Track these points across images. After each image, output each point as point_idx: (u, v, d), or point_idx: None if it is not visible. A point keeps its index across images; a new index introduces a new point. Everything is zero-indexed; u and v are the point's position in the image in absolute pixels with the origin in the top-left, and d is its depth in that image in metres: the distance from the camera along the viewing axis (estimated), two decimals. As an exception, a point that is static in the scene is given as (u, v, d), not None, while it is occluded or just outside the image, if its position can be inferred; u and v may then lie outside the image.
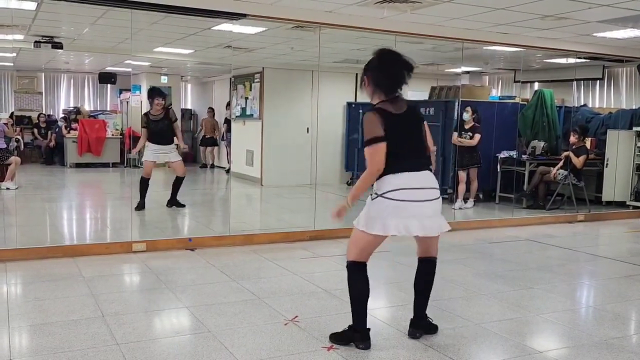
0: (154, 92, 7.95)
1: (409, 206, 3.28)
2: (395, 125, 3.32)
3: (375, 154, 3.27)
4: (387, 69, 3.37)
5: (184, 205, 8.25)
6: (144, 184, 7.89)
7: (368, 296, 3.43)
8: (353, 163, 11.79)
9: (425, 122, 3.56)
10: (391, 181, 3.29)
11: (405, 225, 3.29)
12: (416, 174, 3.33)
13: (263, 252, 5.98)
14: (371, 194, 3.39)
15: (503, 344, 3.63)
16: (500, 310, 4.29)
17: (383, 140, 3.25)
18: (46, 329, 3.67)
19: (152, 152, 7.86)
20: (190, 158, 15.80)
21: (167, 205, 8.22)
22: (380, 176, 3.31)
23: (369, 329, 3.46)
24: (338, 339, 3.52)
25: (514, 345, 3.61)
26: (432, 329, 3.71)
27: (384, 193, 3.29)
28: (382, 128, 3.26)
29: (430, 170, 3.44)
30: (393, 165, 3.29)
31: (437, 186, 3.44)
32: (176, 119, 8.08)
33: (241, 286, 4.72)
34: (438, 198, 3.42)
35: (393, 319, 4.05)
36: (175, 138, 8.05)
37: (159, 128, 7.84)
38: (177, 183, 8.18)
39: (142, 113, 8.06)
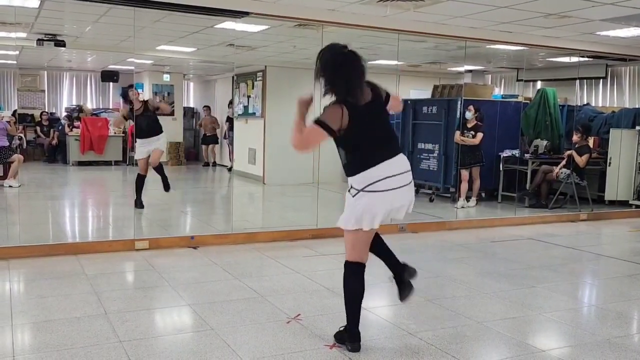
0: (126, 88, 7.93)
1: (392, 194, 3.26)
2: (363, 117, 3.24)
3: (312, 136, 3.20)
4: (343, 74, 3.20)
5: (168, 190, 8.19)
6: (140, 181, 7.87)
7: (362, 298, 3.39)
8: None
9: (390, 94, 3.45)
10: (372, 174, 3.24)
11: (391, 212, 3.30)
12: (392, 160, 3.30)
13: (265, 250, 5.98)
14: (349, 190, 3.33)
15: (506, 343, 3.63)
16: (502, 309, 4.29)
17: (330, 134, 3.17)
18: (49, 326, 3.68)
19: (142, 148, 7.86)
20: (192, 156, 15.82)
21: (164, 190, 8.18)
22: (359, 171, 3.25)
23: (359, 332, 3.40)
24: (336, 337, 3.52)
25: (516, 343, 3.60)
26: (410, 272, 3.61)
27: (365, 187, 3.24)
28: (340, 125, 3.17)
29: (400, 152, 3.39)
30: (370, 158, 3.25)
31: (409, 168, 3.40)
32: (157, 108, 7.91)
33: (243, 284, 4.72)
34: (411, 182, 3.39)
35: (395, 316, 4.05)
36: (161, 133, 8.01)
37: (142, 122, 7.81)
38: (159, 171, 8.07)
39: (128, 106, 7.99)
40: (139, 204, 7.80)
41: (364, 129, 3.25)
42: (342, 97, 3.21)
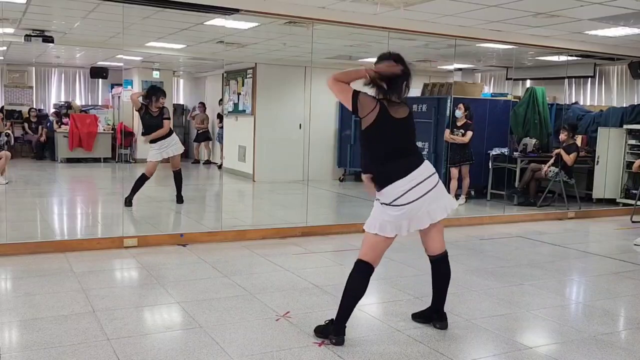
0: (159, 92, 7.92)
1: (415, 206, 3.39)
2: (392, 126, 3.42)
3: (340, 89, 3.42)
4: (395, 80, 3.42)
5: (182, 202, 8.22)
6: (141, 181, 7.82)
7: (360, 298, 3.49)
8: (345, 159, 11.79)
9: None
10: (394, 190, 3.39)
11: (417, 223, 3.45)
12: (413, 173, 3.41)
13: (255, 247, 5.97)
14: (377, 199, 3.48)
15: (493, 340, 3.65)
16: (490, 306, 4.32)
17: (352, 104, 3.38)
18: (36, 324, 3.65)
19: (156, 151, 7.87)
20: (183, 154, 15.72)
21: (177, 202, 8.23)
22: (383, 186, 3.40)
23: (345, 327, 3.48)
24: (318, 331, 3.56)
25: (504, 341, 3.63)
26: (444, 318, 3.80)
27: (391, 202, 3.39)
28: (365, 112, 3.37)
29: (423, 162, 3.49)
30: (392, 173, 3.39)
31: (432, 172, 3.50)
32: (168, 118, 8.00)
33: (232, 282, 4.71)
34: (436, 185, 3.48)
35: (384, 314, 4.07)
36: (171, 133, 8.05)
37: (154, 123, 7.81)
38: (177, 178, 8.16)
39: (142, 102, 7.95)
40: (128, 201, 7.73)
41: (389, 136, 3.41)
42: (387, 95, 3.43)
